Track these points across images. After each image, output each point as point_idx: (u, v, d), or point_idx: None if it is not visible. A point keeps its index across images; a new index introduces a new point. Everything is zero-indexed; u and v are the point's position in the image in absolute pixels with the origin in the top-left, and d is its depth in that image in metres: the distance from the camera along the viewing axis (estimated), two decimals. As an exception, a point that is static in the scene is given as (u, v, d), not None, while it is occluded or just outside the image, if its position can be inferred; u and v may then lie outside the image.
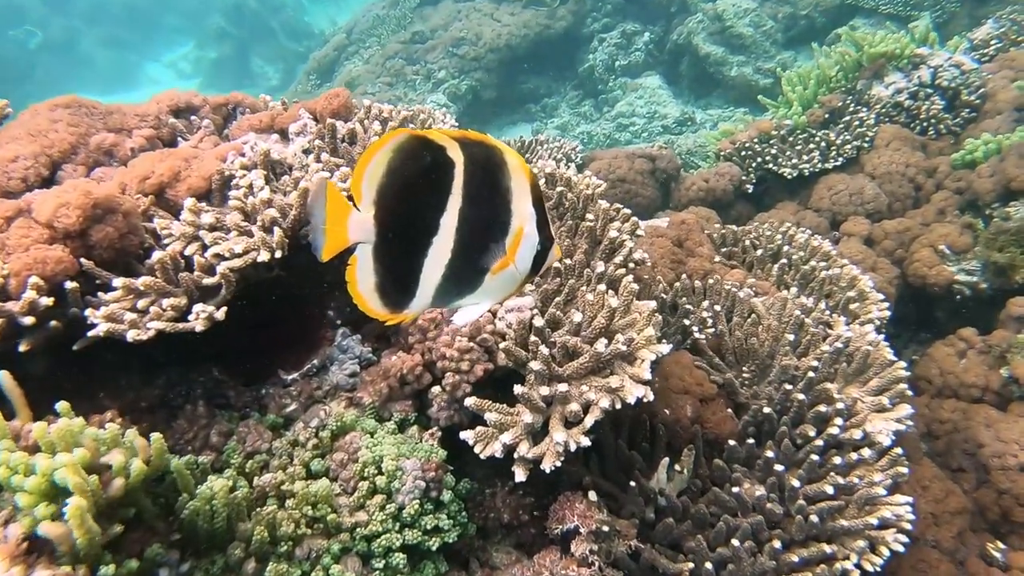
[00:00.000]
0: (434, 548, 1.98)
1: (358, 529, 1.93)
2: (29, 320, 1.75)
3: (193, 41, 18.62)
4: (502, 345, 2.07)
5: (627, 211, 2.64)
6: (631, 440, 2.41)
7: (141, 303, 1.87)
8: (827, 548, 2.19)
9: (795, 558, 2.17)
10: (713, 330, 2.80)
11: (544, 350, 1.98)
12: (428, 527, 1.98)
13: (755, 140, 5.33)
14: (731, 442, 2.43)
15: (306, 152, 2.47)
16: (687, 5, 8.89)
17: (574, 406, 1.94)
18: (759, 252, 3.67)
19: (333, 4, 19.81)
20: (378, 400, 2.19)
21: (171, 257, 1.93)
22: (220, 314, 1.91)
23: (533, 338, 2.04)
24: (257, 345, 2.30)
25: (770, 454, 2.38)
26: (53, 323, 1.82)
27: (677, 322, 2.88)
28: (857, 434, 2.40)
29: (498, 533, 2.23)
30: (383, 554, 1.92)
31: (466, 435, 1.97)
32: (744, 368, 2.72)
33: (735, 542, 2.18)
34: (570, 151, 5.60)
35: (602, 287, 2.20)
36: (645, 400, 1.96)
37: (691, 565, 2.19)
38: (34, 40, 17.43)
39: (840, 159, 5.07)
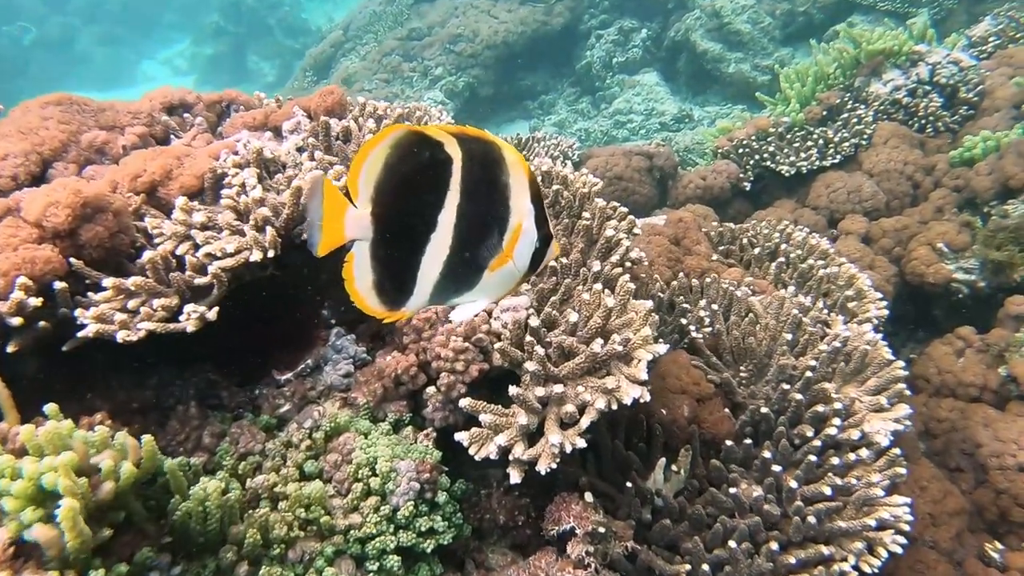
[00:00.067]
0: (429, 550, 1.97)
1: (352, 531, 1.91)
2: (17, 321, 1.73)
3: (189, 38, 18.56)
4: (497, 345, 2.05)
5: (624, 209, 2.62)
6: (628, 440, 2.39)
7: (131, 303, 1.85)
8: (825, 550, 2.17)
9: (792, 560, 2.16)
10: (710, 329, 2.78)
11: (540, 350, 1.96)
12: (423, 529, 1.96)
13: (753, 137, 5.31)
14: (728, 442, 2.41)
15: (300, 150, 2.45)
16: (684, 1, 8.88)
17: (570, 407, 1.92)
18: (757, 250, 3.65)
19: (330, 0, 19.78)
20: (372, 401, 2.17)
21: (162, 257, 1.91)
22: (212, 314, 1.89)
23: (529, 338, 2.02)
24: (251, 345, 2.29)
25: (767, 454, 2.36)
26: (42, 324, 1.80)
27: (674, 321, 2.87)
28: (855, 434, 2.38)
29: (494, 534, 2.21)
30: (377, 556, 1.90)
31: (460, 436, 1.95)
32: (741, 368, 2.70)
33: (732, 544, 2.16)
34: (567, 148, 5.58)
35: (598, 286, 2.18)
36: (642, 401, 1.94)
37: (688, 567, 2.17)
38: (28, 36, 17.38)
39: (838, 157, 5.05)
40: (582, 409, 1.94)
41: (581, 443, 1.89)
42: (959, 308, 4.01)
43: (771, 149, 5.21)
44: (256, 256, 1.95)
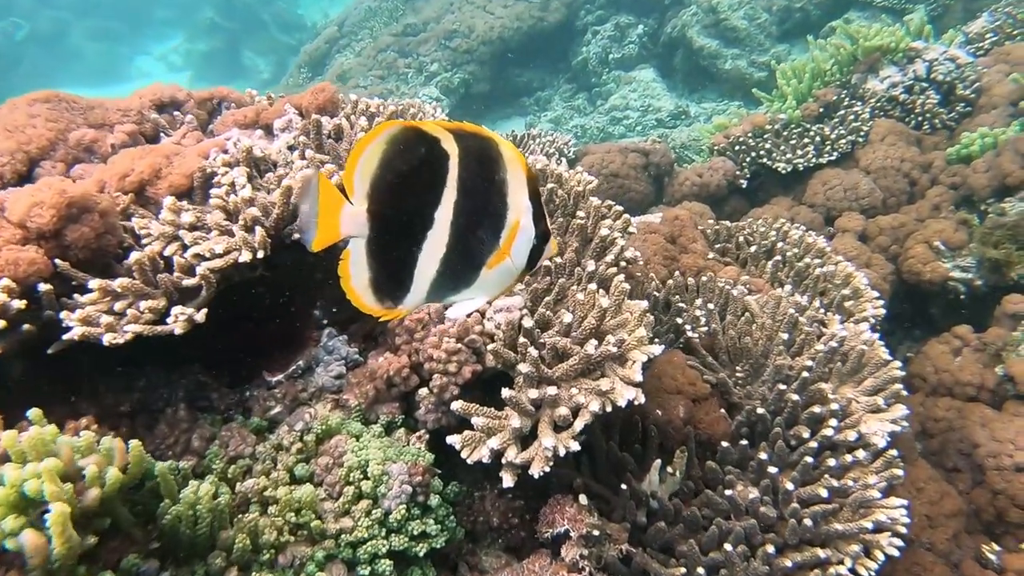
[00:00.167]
0: (421, 554, 1.94)
1: (343, 535, 1.89)
2: (0, 323, 1.70)
3: (183, 33, 18.48)
4: (490, 347, 2.02)
5: (619, 208, 2.60)
6: (623, 441, 2.37)
7: (118, 305, 1.82)
8: (821, 553, 2.15)
9: (788, 563, 2.14)
10: (706, 329, 2.76)
11: (533, 352, 1.93)
12: (415, 532, 1.94)
13: (749, 134, 5.29)
14: (724, 443, 2.40)
15: (291, 148, 2.42)
16: (681, -3, 8.86)
17: (563, 410, 1.90)
18: (753, 249, 3.63)
19: (326, -4, 19.71)
20: (364, 402, 2.15)
21: (149, 258, 1.88)
22: (200, 316, 1.86)
23: (522, 339, 2.00)
24: (241, 346, 2.26)
25: (764, 456, 2.34)
26: (26, 327, 1.77)
27: (670, 320, 2.84)
28: (852, 435, 2.36)
29: (487, 537, 2.19)
30: (369, 561, 1.88)
31: (453, 440, 1.93)
32: (738, 368, 2.68)
33: (728, 546, 2.14)
34: (563, 145, 5.56)
35: (593, 286, 2.16)
36: (636, 402, 1.92)
37: (683, 570, 2.15)
38: (21, 32, 17.28)
39: (835, 154, 5.03)
40: (576, 412, 1.92)
41: (575, 446, 1.87)
42: (956, 306, 4.00)
43: (767, 146, 5.19)
44: (245, 257, 1.92)
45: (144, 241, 2.00)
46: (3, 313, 1.70)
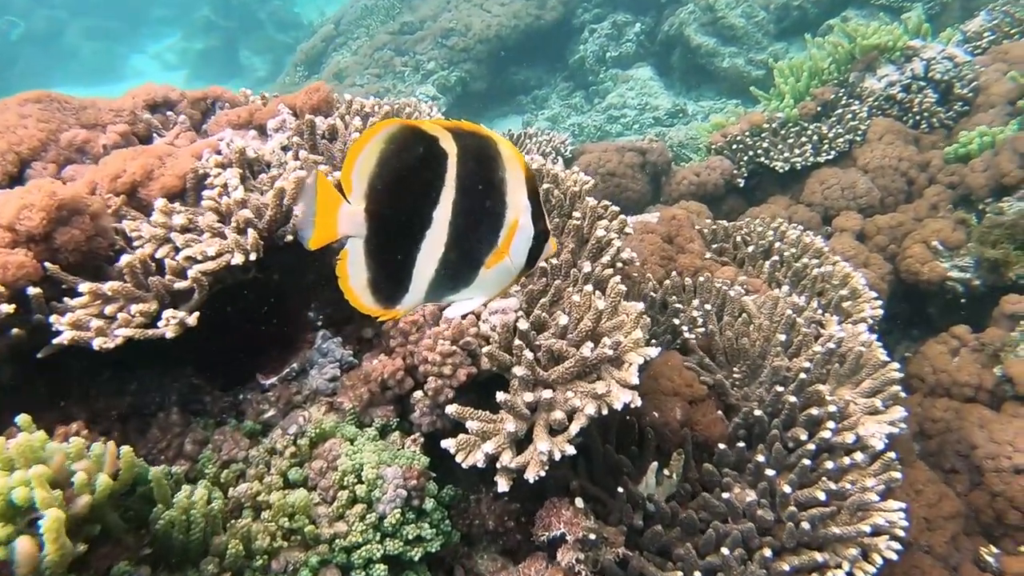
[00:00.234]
0: (416, 558, 1.93)
1: (337, 540, 1.87)
2: (-11, 328, 1.69)
3: (180, 32, 18.42)
4: (485, 350, 2.01)
5: (615, 208, 2.58)
6: (619, 443, 2.35)
7: (108, 309, 1.80)
8: (819, 556, 2.14)
9: (786, 567, 2.12)
10: (703, 330, 2.74)
11: (528, 355, 1.92)
12: (410, 537, 1.93)
13: (747, 133, 5.27)
14: (721, 446, 2.38)
15: (285, 149, 2.40)
16: (678, -5, 8.84)
17: (558, 414, 1.88)
18: (750, 248, 3.61)
19: (323, -6, 19.66)
20: (359, 405, 2.13)
21: (140, 261, 1.86)
22: (192, 319, 1.84)
23: (517, 342, 1.98)
24: (235, 348, 2.24)
25: (761, 458, 2.33)
26: (15, 331, 1.75)
27: (667, 321, 2.83)
28: (849, 438, 2.34)
29: (483, 540, 2.18)
30: (363, 566, 1.87)
31: (447, 443, 1.91)
32: (735, 369, 2.67)
33: (725, 550, 2.13)
34: (559, 144, 5.54)
35: (589, 288, 2.14)
36: (633, 405, 1.91)
37: (680, 574, 2.14)
38: (16, 31, 17.23)
39: (832, 153, 5.02)
40: (571, 415, 1.90)
41: (571, 450, 1.85)
42: (954, 306, 3.98)
43: (765, 145, 5.18)
44: (238, 259, 1.90)
45: (135, 243, 1.98)
46: (-8, 317, 1.69)
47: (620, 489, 2.22)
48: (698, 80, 8.56)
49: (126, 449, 1.60)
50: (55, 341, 1.75)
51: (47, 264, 1.81)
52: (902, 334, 4.23)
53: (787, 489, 2.25)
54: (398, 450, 2.04)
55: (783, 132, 5.23)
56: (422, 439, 2.10)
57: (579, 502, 2.06)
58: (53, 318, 1.77)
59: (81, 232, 1.85)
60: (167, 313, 1.82)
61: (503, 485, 1.86)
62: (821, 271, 3.26)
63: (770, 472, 2.29)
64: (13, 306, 1.72)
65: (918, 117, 5.15)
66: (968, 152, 4.52)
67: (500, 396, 1.89)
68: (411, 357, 2.13)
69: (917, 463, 2.90)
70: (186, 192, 2.17)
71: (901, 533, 2.18)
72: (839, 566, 2.14)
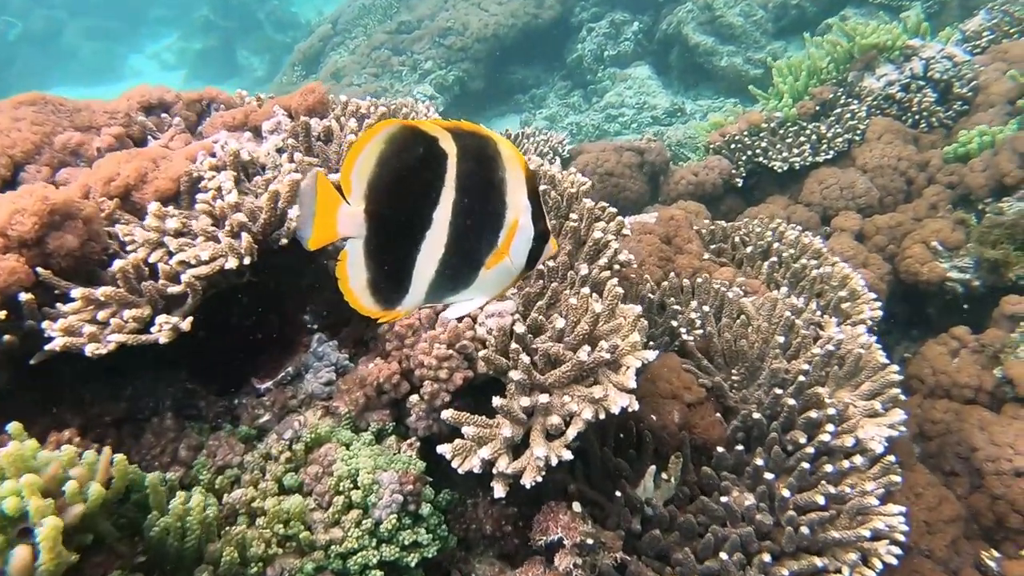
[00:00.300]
0: (413, 564, 1.92)
1: (333, 546, 1.86)
2: (-19, 335, 1.67)
3: (178, 32, 18.40)
4: (481, 354, 1.99)
5: (612, 210, 2.57)
6: (617, 446, 2.34)
7: (101, 314, 1.78)
8: (818, 561, 2.13)
9: (785, 571, 2.11)
10: (701, 331, 2.73)
11: (525, 359, 1.90)
12: (406, 542, 1.92)
13: (745, 133, 5.26)
14: (720, 449, 2.37)
15: (280, 151, 2.39)
16: (676, -6, 8.82)
17: (555, 419, 1.87)
18: (749, 249, 3.60)
19: (321, -7, 19.63)
20: (354, 410, 2.12)
21: (133, 265, 1.84)
22: (185, 325, 1.82)
23: (514, 345, 1.97)
24: (230, 352, 2.23)
25: (759, 461, 2.31)
26: (7, 337, 1.74)
27: (665, 323, 2.81)
28: (849, 441, 2.33)
29: (480, 544, 2.17)
30: (359, 572, 1.86)
31: (443, 449, 1.90)
32: (733, 371, 2.65)
33: (723, 555, 2.11)
34: (557, 144, 5.53)
35: (586, 290, 2.13)
36: (630, 409, 1.89)
37: (678, 579, 2.12)
38: (14, 31, 17.20)
39: (831, 152, 5.00)
40: (568, 420, 1.89)
41: (568, 455, 1.84)
42: (953, 307, 3.97)
43: (763, 145, 5.17)
44: (231, 263, 1.89)
45: (129, 248, 1.96)
46: (-17, 324, 1.67)
47: (618, 493, 2.21)
48: (696, 79, 8.55)
49: (119, 457, 1.59)
50: (47, 347, 1.74)
51: (39, 269, 1.79)
52: (901, 334, 4.22)
53: (786, 493, 2.24)
54: (394, 455, 2.03)
55: (782, 132, 5.22)
56: (418, 443, 2.08)
57: (576, 506, 2.05)
58: (45, 324, 1.75)
59: (74, 237, 1.84)
60: (160, 319, 1.80)
61: (499, 491, 1.85)
62: (820, 272, 3.25)
63: (769, 476, 2.28)
64: (4, 312, 1.70)
65: (917, 116, 5.13)
66: (967, 152, 4.51)
67: (496, 401, 1.88)
68: (407, 361, 2.12)
69: (917, 466, 2.89)
70: (180, 195, 2.15)
71: (901, 537, 2.17)
72: (839, 571, 2.12)
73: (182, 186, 2.14)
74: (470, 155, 1.16)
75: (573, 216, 2.44)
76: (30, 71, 16.55)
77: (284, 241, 2.06)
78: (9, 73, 16.46)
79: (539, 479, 1.82)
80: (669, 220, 3.58)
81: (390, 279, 1.20)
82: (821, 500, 2.20)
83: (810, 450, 2.32)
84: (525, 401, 1.88)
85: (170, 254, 1.92)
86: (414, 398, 2.09)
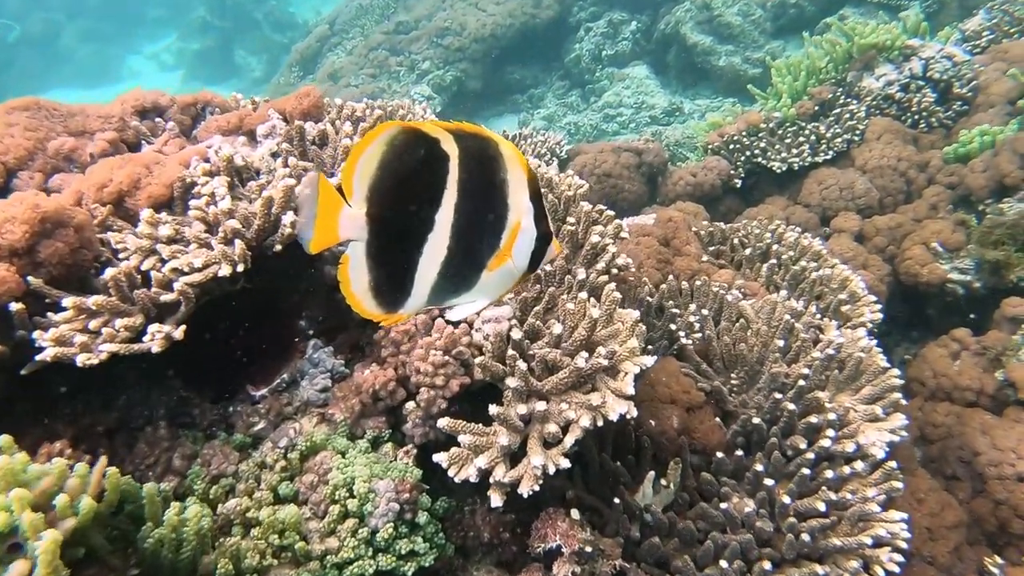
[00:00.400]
0: (409, 573, 1.90)
1: (329, 556, 1.84)
2: (-30, 345, 1.65)
3: (176, 33, 18.36)
4: (478, 360, 1.97)
5: (610, 213, 2.55)
6: (616, 451, 2.32)
7: (93, 323, 1.76)
8: (819, 569, 2.11)
9: (786, 579, 2.09)
10: (700, 335, 2.71)
11: (522, 365, 1.88)
12: (403, 551, 1.90)
13: (744, 133, 5.24)
14: (719, 454, 2.35)
15: (274, 155, 2.37)
16: (674, -7, 8.79)
17: (553, 427, 1.85)
18: (748, 251, 3.58)
19: (318, -7, 19.58)
20: (350, 417, 2.10)
21: (125, 273, 1.82)
22: (178, 333, 1.80)
23: (511, 352, 1.95)
24: (225, 358, 2.20)
25: (759, 467, 2.30)
26: (-3, 347, 1.72)
27: (664, 326, 2.79)
28: (849, 446, 2.31)
29: (478, 552, 2.15)
30: (355, 582, 1.83)
31: (439, 457, 1.88)
32: (732, 375, 2.63)
33: (723, 563, 2.10)
34: (555, 145, 5.51)
35: (583, 295, 2.11)
36: (628, 416, 1.88)
37: (678, 586, 2.10)
38: (12, 34, 17.17)
39: (830, 153, 4.98)
40: (566, 427, 1.87)
41: (565, 463, 1.82)
42: (954, 308, 3.95)
43: (762, 145, 5.15)
44: (225, 271, 1.87)
45: (121, 255, 1.94)
46: (-28, 334, 1.65)
47: (617, 500, 2.19)
48: (694, 79, 8.52)
49: (112, 470, 1.57)
50: (38, 358, 1.72)
51: (30, 278, 1.77)
52: (901, 335, 4.20)
53: (786, 499, 2.22)
54: (390, 462, 2.01)
55: (780, 132, 5.20)
56: (415, 451, 2.06)
57: (575, 513, 2.03)
58: (36, 334, 1.73)
59: (65, 245, 1.82)
60: (152, 327, 1.78)
61: (496, 500, 1.83)
62: (820, 274, 3.23)
63: (769, 481, 2.26)
64: (-6, 322, 1.68)
65: (917, 117, 5.11)
66: (968, 152, 4.49)
67: (493, 409, 1.86)
68: (403, 367, 2.10)
69: (918, 471, 2.87)
70: (174, 201, 2.14)
71: (903, 544, 2.15)
72: (840, 578, 2.11)
73: (176, 192, 2.12)
74: (472, 157, 1.16)
75: (570, 220, 2.42)
76: (28, 73, 16.54)
77: (279, 247, 2.04)
78: (7, 76, 16.44)
79: (536, 488, 1.80)
80: (667, 222, 3.56)
81: (392, 282, 1.19)
82: (822, 506, 2.18)
83: (810, 455, 2.30)
84: (522, 408, 1.86)
85: (163, 261, 1.90)
86: (410, 405, 2.07)
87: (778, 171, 5.05)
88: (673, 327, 2.75)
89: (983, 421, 3.08)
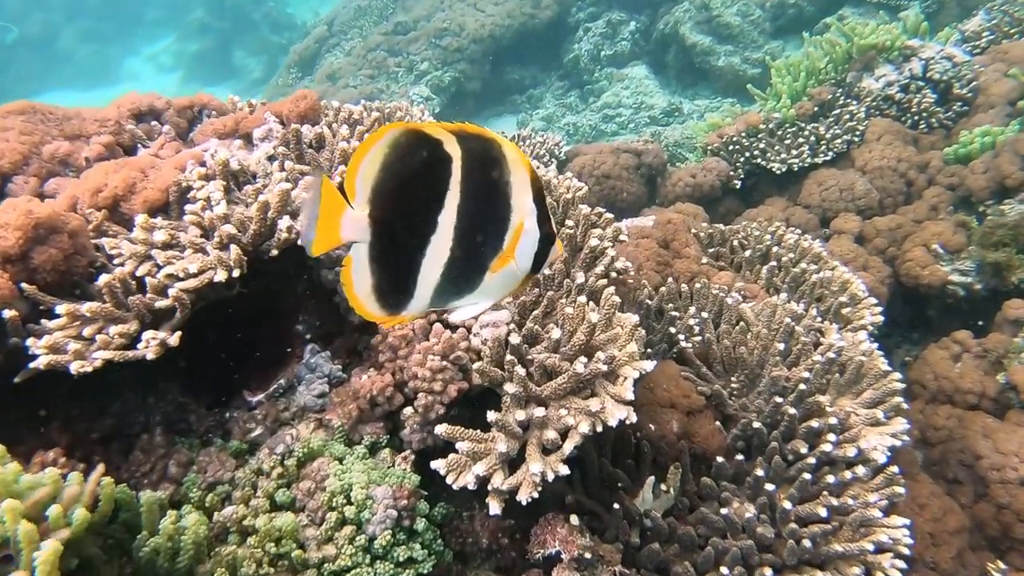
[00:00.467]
0: (408, 581, 1.88)
1: (326, 564, 1.83)
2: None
3: (174, 34, 18.33)
4: (476, 366, 1.96)
5: (609, 216, 2.54)
6: (615, 456, 2.30)
7: (87, 330, 1.74)
8: (821, 575, 2.09)
9: (787, 585, 2.08)
10: (700, 338, 2.69)
11: (520, 371, 1.86)
12: (401, 559, 1.88)
13: (743, 134, 5.23)
14: (719, 458, 2.33)
15: (271, 159, 2.35)
16: (673, -7, 8.78)
17: (551, 433, 1.83)
18: (747, 253, 3.56)
19: (317, -6, 19.56)
20: (347, 423, 2.08)
21: (120, 280, 1.80)
22: (173, 340, 1.78)
23: (509, 357, 1.93)
24: (221, 363, 2.19)
25: (760, 472, 2.28)
26: (-9, 355, 1.70)
27: (663, 329, 2.78)
28: (851, 451, 2.29)
29: (477, 558, 2.14)
30: (352, 590, 1.82)
31: (437, 464, 1.86)
32: (733, 378, 2.62)
33: (724, 569, 2.08)
34: (553, 146, 5.49)
35: (582, 299, 2.09)
36: (628, 422, 1.86)
37: (678, 593, 2.09)
38: (10, 36, 17.15)
39: (830, 154, 4.97)
40: (565, 434, 1.85)
41: (564, 470, 1.81)
42: (955, 310, 3.93)
43: (762, 146, 5.13)
44: (220, 276, 1.85)
45: (116, 261, 1.92)
46: (-36, 342, 1.63)
47: (616, 505, 2.17)
48: (694, 79, 8.51)
49: (107, 480, 1.55)
50: (31, 365, 1.70)
51: (23, 285, 1.75)
52: (902, 337, 4.18)
53: (787, 504, 2.21)
54: (388, 468, 1.99)
55: (780, 133, 5.18)
56: (413, 456, 2.05)
57: (574, 519, 2.01)
58: (30, 341, 1.71)
59: (59, 251, 1.80)
60: (147, 334, 1.76)
61: (495, 508, 1.81)
62: (820, 276, 3.21)
63: (770, 486, 2.24)
64: (-13, 329, 1.67)
65: (917, 117, 5.10)
66: (968, 153, 4.47)
67: (491, 416, 1.84)
68: (400, 372, 2.08)
69: (920, 475, 2.85)
70: (169, 205, 2.12)
71: (905, 550, 2.13)
72: (842, 585, 2.09)
73: (171, 196, 2.11)
74: (475, 158, 1.16)
75: (569, 223, 2.40)
76: (27, 75, 16.53)
77: (275, 252, 2.02)
78: (6, 77, 16.43)
79: (535, 495, 1.79)
80: (667, 224, 3.55)
81: (395, 284, 1.19)
82: (823, 512, 2.16)
83: (811, 460, 2.29)
84: (520, 415, 1.84)
85: (158, 267, 1.88)
86: (408, 411, 2.05)
87: (778, 172, 5.03)
88: (672, 330, 2.73)
89: (985, 424, 3.07)
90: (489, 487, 1.81)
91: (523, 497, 1.78)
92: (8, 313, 1.71)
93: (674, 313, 2.80)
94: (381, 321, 1.21)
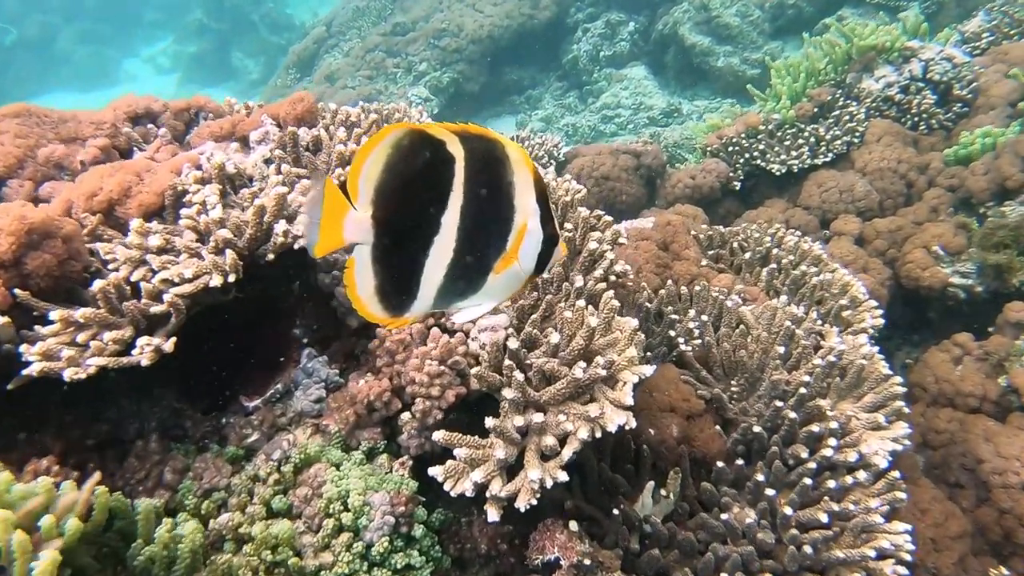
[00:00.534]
0: (405, 587, 1.87)
1: (323, 572, 1.82)
2: (-45, 359, 1.61)
3: (172, 35, 18.32)
4: (474, 371, 1.94)
5: (608, 218, 2.52)
6: (614, 461, 2.29)
7: (81, 337, 1.73)
8: (822, 581, 2.08)
9: (788, 591, 2.06)
10: (700, 341, 2.67)
11: (519, 376, 1.85)
12: (399, 565, 1.87)
13: (742, 135, 5.21)
14: (719, 463, 2.32)
15: (267, 162, 2.33)
16: (672, -6, 8.77)
17: (550, 439, 1.82)
18: (747, 255, 3.54)
19: (316, -5, 19.55)
20: (345, 428, 2.06)
21: (114, 285, 1.79)
22: (168, 346, 1.77)
23: (507, 361, 1.92)
24: (217, 368, 2.17)
25: (760, 476, 2.26)
26: (-17, 362, 1.68)
27: (663, 332, 2.76)
28: (852, 455, 2.28)
29: (476, 564, 2.12)
30: (350, 597, 1.80)
31: (435, 471, 1.84)
32: (733, 382, 2.60)
33: (724, 575, 2.06)
34: (552, 148, 5.48)
35: (581, 303, 2.07)
36: (627, 427, 1.84)
37: (678, 599, 2.07)
38: (9, 37, 17.14)
39: (830, 155, 4.96)
40: (563, 440, 1.84)
41: (563, 476, 1.79)
42: (956, 312, 3.92)
43: (761, 147, 5.12)
44: (216, 281, 1.83)
45: (110, 266, 1.91)
46: (-44, 349, 1.62)
47: (616, 510, 2.15)
48: (693, 79, 8.50)
49: (101, 489, 1.54)
50: (24, 372, 1.68)
51: (16, 291, 1.73)
52: (902, 339, 4.16)
53: (788, 510, 2.19)
54: (385, 474, 1.98)
55: (779, 134, 5.17)
56: (410, 462, 2.03)
57: (573, 525, 2.00)
58: (23, 348, 1.69)
59: (53, 256, 1.78)
60: (142, 340, 1.75)
61: (493, 515, 1.80)
62: (820, 279, 3.20)
63: (770, 491, 2.23)
64: (-21, 336, 1.65)
65: (917, 119, 5.09)
66: (968, 154, 4.46)
67: (489, 422, 1.82)
68: (398, 377, 2.06)
69: (922, 480, 2.83)
70: (165, 209, 2.10)
71: (907, 556, 2.12)
72: (843, 591, 2.08)
73: (167, 200, 2.09)
74: (478, 159, 1.15)
75: (568, 225, 2.39)
76: (25, 77, 16.53)
77: (271, 256, 2.00)
78: (4, 79, 16.43)
79: (534, 502, 1.78)
80: (666, 226, 3.53)
81: (398, 285, 1.19)
82: (824, 517, 2.14)
83: (812, 465, 2.27)
84: (519, 420, 1.82)
85: (153, 272, 1.87)
86: (406, 416, 2.04)
87: (777, 173, 5.02)
88: (672, 333, 2.72)
89: (986, 428, 3.05)
90: (487, 494, 1.80)
91: (521, 504, 1.77)
92: (1, 319, 1.69)
93: (674, 316, 2.79)
94: (384, 323, 1.21)
